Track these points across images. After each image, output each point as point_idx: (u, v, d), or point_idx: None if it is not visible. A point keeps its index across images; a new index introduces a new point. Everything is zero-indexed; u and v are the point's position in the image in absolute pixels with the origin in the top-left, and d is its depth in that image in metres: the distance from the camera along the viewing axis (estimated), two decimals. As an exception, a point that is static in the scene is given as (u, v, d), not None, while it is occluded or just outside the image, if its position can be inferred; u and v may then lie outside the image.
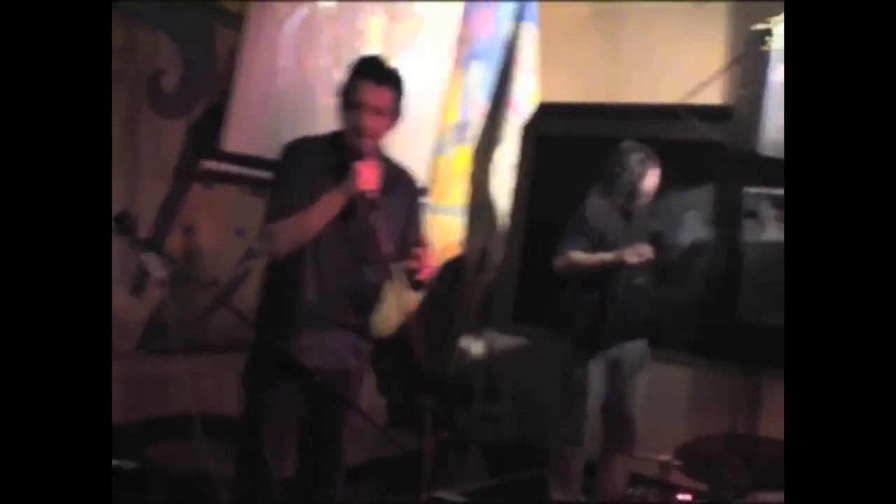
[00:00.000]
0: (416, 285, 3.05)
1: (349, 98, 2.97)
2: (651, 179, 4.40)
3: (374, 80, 2.97)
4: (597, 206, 4.37)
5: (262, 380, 3.09)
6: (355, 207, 2.98)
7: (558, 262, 4.29)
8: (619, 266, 4.28)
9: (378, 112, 2.97)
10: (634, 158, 4.36)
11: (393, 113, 3.03)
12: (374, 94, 2.96)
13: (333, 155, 3.02)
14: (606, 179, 4.40)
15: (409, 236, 3.19)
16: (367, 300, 3.13)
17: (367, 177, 2.90)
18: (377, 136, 3.02)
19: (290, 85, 3.89)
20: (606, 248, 4.29)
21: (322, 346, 3.07)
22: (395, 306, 2.79)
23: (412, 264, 3.01)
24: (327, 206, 2.95)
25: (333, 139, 3.08)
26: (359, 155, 2.94)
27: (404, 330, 2.83)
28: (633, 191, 4.37)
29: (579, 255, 4.27)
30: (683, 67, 5.02)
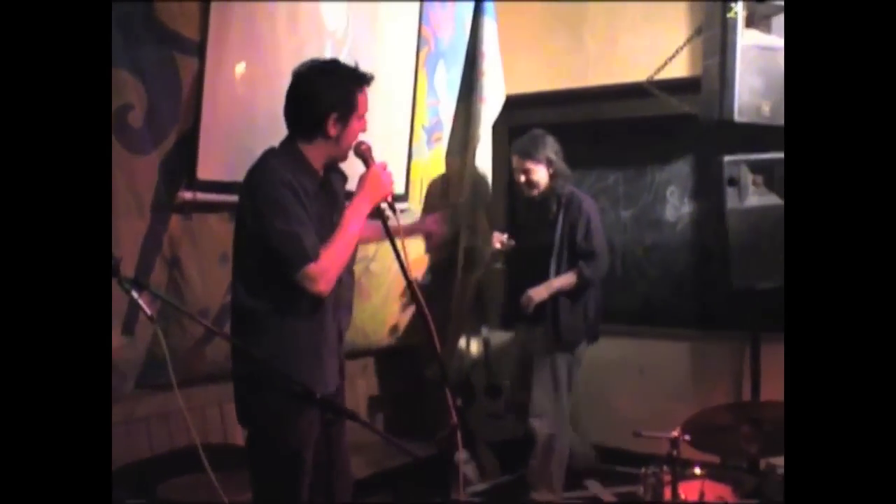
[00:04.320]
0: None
1: (359, 110, 2.90)
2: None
3: (366, 85, 2.93)
4: None
5: (296, 416, 2.88)
6: None
7: None
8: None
9: None
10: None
11: None
12: (365, 100, 2.94)
13: (305, 171, 2.88)
14: None
15: None
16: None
17: (389, 179, 2.89)
18: None
19: (257, 104, 3.84)
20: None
21: (333, 368, 3.03)
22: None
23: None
24: (357, 221, 2.85)
25: (289, 151, 2.91)
26: (365, 160, 2.91)
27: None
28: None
29: None
30: (647, 51, 5.02)
